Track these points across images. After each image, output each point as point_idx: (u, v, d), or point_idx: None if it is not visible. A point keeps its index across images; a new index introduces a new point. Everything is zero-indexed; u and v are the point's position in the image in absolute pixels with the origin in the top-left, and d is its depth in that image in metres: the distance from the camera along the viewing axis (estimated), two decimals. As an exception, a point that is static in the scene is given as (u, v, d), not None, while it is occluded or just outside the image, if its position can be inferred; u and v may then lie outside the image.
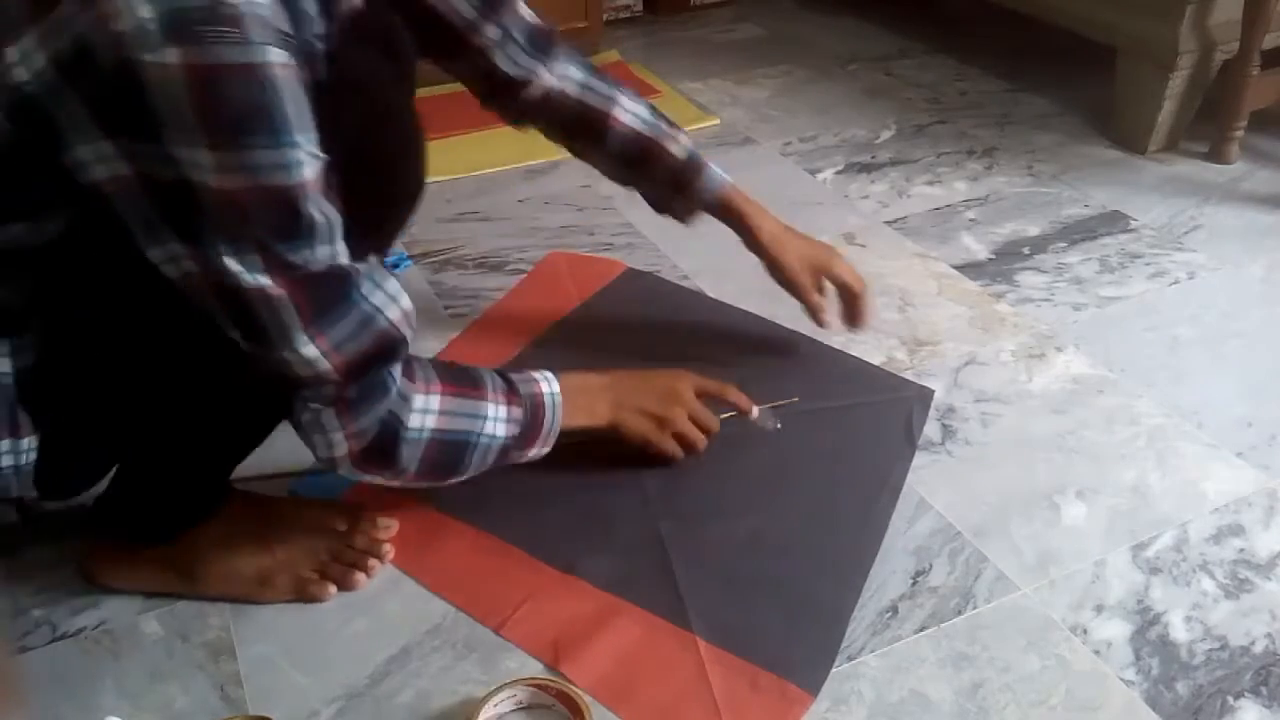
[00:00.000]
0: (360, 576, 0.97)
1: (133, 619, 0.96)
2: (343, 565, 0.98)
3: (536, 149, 1.78)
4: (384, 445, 0.86)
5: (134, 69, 0.67)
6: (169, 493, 0.93)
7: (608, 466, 1.07)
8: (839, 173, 1.74)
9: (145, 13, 0.66)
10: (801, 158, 1.79)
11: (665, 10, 2.46)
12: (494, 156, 1.75)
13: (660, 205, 1.24)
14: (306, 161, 0.73)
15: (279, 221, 0.73)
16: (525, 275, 1.45)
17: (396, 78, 0.91)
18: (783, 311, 1.33)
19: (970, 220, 1.59)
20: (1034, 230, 1.56)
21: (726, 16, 2.46)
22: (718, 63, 2.19)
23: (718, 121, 1.91)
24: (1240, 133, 1.72)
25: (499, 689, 0.85)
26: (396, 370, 0.85)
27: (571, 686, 0.86)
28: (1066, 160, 1.76)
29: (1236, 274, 1.45)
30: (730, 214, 1.21)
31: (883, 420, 1.17)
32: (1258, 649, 0.92)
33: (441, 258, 1.50)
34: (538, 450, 0.98)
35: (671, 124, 1.19)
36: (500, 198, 1.66)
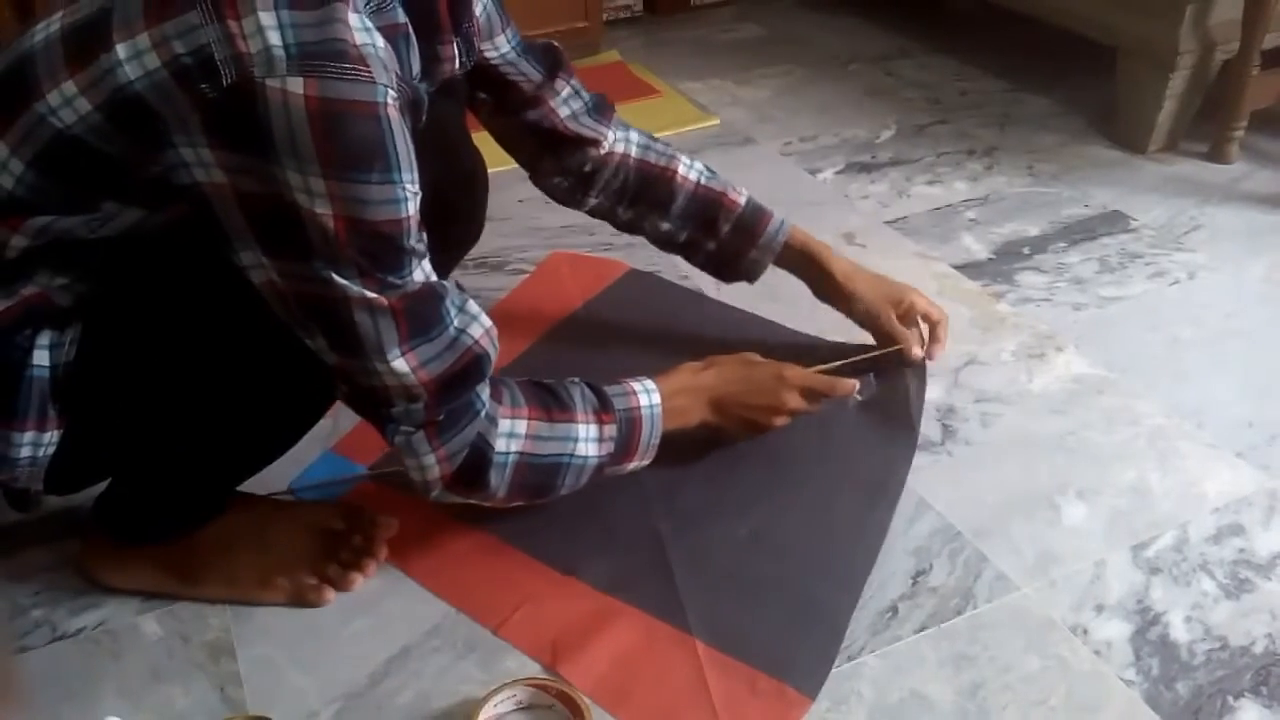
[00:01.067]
0: (357, 577, 0.97)
1: (133, 619, 0.96)
2: (340, 566, 0.98)
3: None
4: (474, 468, 0.87)
5: (256, 89, 0.70)
6: (170, 494, 0.93)
7: None
8: (839, 173, 1.74)
9: (275, 39, 0.69)
10: (802, 158, 1.79)
11: (665, 10, 2.46)
12: (494, 156, 1.75)
13: (727, 263, 1.22)
14: (410, 198, 0.77)
15: (381, 251, 0.77)
16: (528, 275, 1.45)
17: (463, 126, 1.00)
18: (782, 312, 1.34)
19: (970, 220, 1.59)
20: (1034, 230, 1.56)
21: (727, 16, 2.46)
22: (718, 63, 2.19)
23: (718, 121, 1.91)
24: (1240, 133, 1.72)
25: (499, 689, 0.85)
26: (484, 392, 0.86)
27: (571, 687, 0.86)
28: (1067, 160, 1.76)
29: (1237, 274, 1.45)
30: (804, 257, 1.20)
31: (884, 416, 1.16)
32: (1258, 649, 0.92)
33: (441, 258, 1.50)
34: (637, 463, 0.98)
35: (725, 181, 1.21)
36: (500, 197, 1.65)
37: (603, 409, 0.94)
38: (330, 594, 0.96)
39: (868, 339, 1.24)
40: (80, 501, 0.99)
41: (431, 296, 0.81)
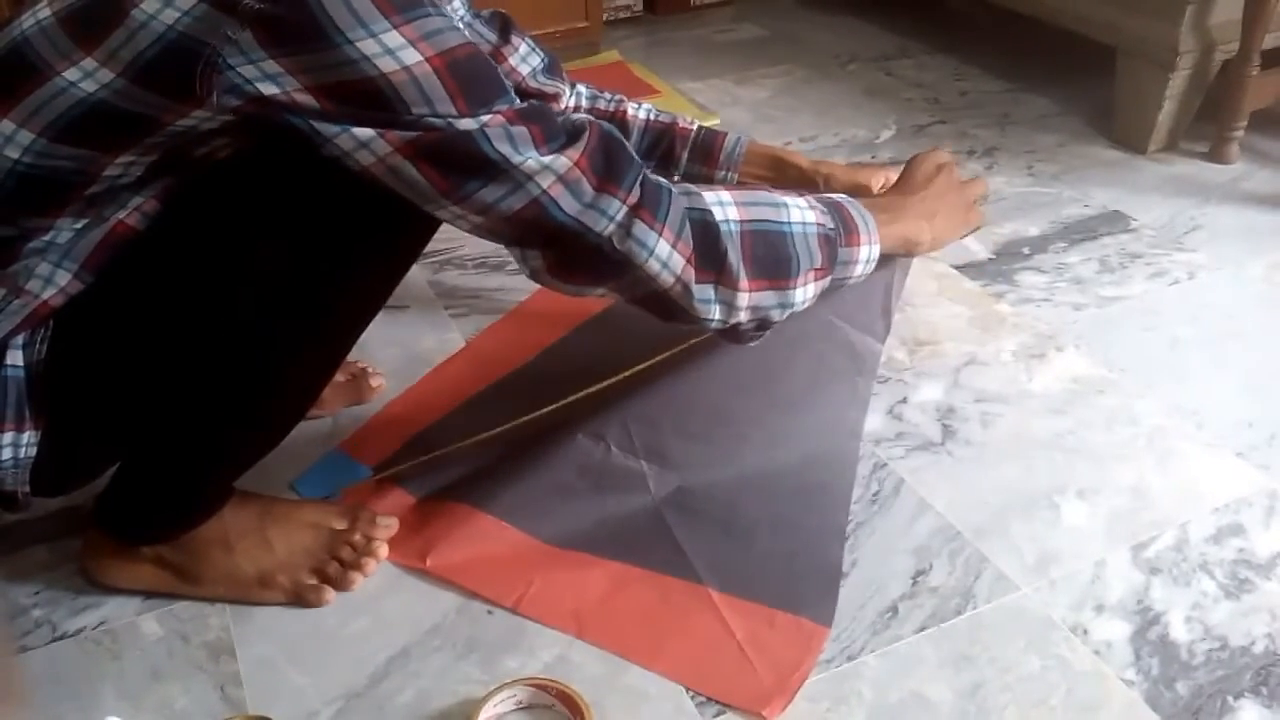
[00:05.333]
0: (358, 577, 0.97)
1: (133, 619, 0.96)
2: (341, 565, 0.98)
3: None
4: (707, 240, 0.83)
5: None
6: (169, 493, 0.93)
7: (583, 432, 1.06)
8: (839, 173, 1.74)
9: None
10: (801, 158, 1.79)
11: (665, 10, 2.46)
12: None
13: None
14: (460, 27, 0.76)
15: (475, 77, 0.75)
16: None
17: None
18: None
19: (970, 220, 1.59)
20: (1034, 230, 1.56)
21: (726, 16, 2.46)
22: (718, 62, 2.19)
23: (718, 121, 1.91)
24: (1240, 133, 1.72)
25: (499, 689, 0.85)
26: (650, 175, 0.83)
27: (572, 686, 0.86)
28: (1067, 160, 1.76)
29: (1237, 274, 1.45)
30: (769, 159, 1.22)
31: (851, 321, 1.12)
32: (1258, 649, 0.92)
33: (441, 258, 1.50)
34: (867, 248, 0.93)
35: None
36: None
37: (794, 192, 0.93)
38: (330, 594, 0.96)
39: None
40: (80, 501, 0.99)
41: (539, 107, 0.80)
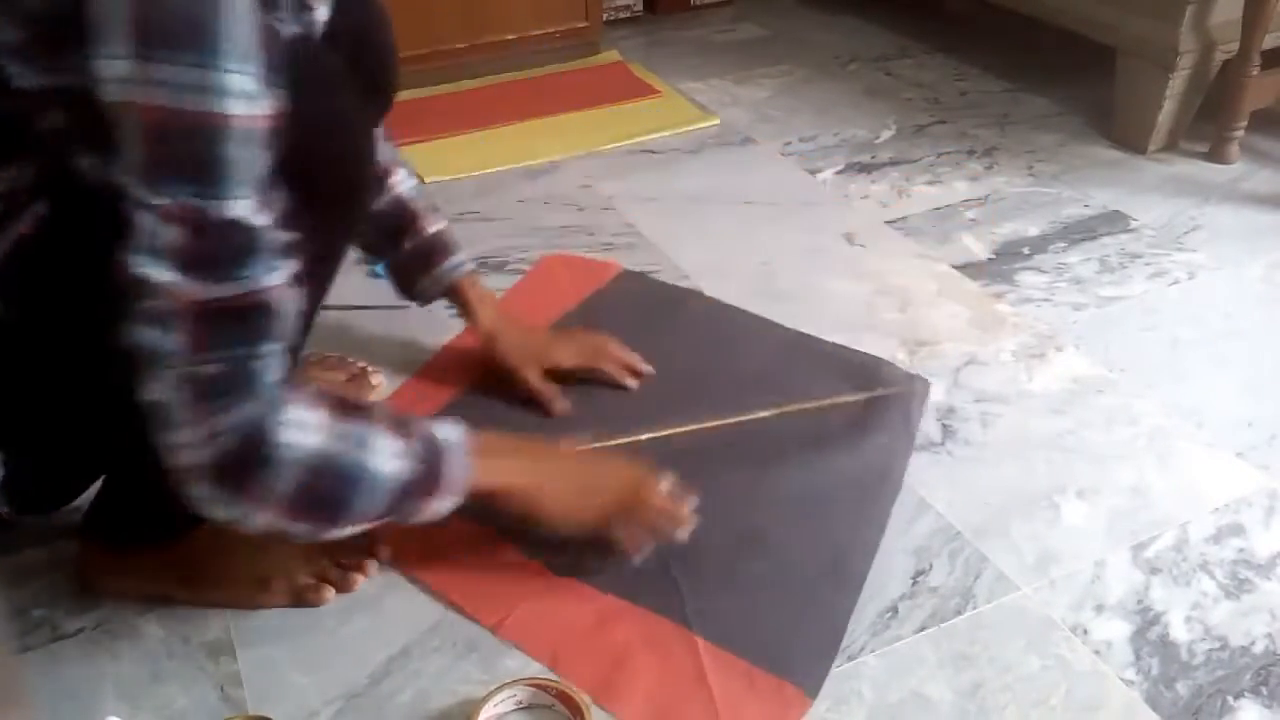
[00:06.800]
0: (358, 578, 0.97)
1: (133, 619, 0.95)
2: (340, 568, 0.97)
3: (537, 149, 1.81)
4: (246, 460, 0.72)
5: None
6: (158, 500, 0.92)
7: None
8: (839, 173, 1.74)
9: None
10: (801, 158, 1.79)
11: (665, 10, 2.46)
12: (493, 156, 1.76)
13: (401, 278, 1.18)
14: (241, 95, 0.65)
15: (190, 155, 0.66)
16: (521, 278, 1.45)
17: (358, 91, 0.85)
18: (782, 310, 1.34)
19: (970, 220, 1.59)
20: (1034, 230, 1.56)
21: (726, 16, 2.46)
22: (717, 62, 2.19)
23: (718, 121, 1.91)
24: (1240, 133, 1.72)
25: (499, 689, 0.85)
26: (269, 361, 0.71)
27: (572, 686, 0.86)
28: (1067, 160, 1.76)
29: (1236, 274, 1.45)
30: (464, 302, 1.18)
31: (882, 416, 1.16)
32: (1258, 649, 0.92)
33: (441, 258, 1.49)
34: (442, 501, 0.85)
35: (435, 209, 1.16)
36: (500, 198, 1.66)
37: (401, 425, 0.82)
38: (330, 593, 0.96)
39: (869, 340, 1.23)
40: (81, 502, 0.99)
41: (236, 230, 0.68)
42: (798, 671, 0.89)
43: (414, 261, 1.16)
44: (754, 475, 1.09)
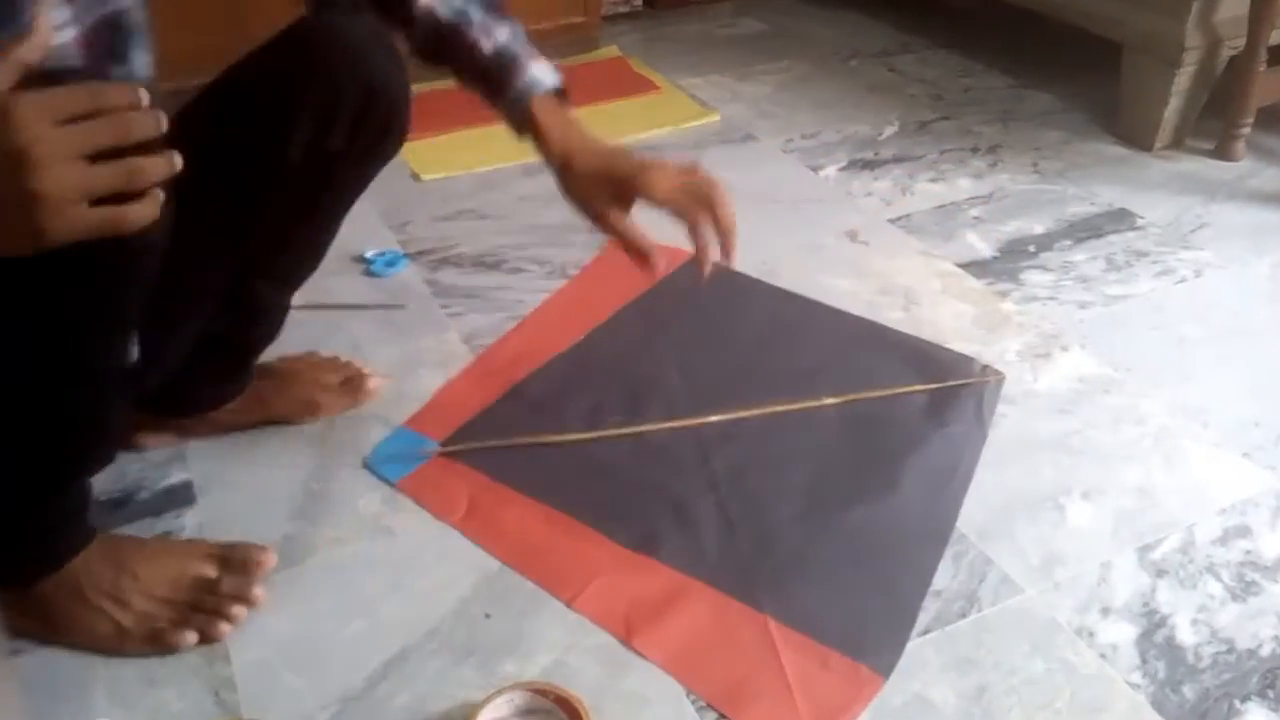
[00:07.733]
0: (224, 626, 0.91)
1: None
2: (205, 614, 0.91)
3: (536, 146, 1.79)
4: None
5: None
6: (17, 534, 0.88)
7: (673, 447, 1.11)
8: (841, 170, 1.73)
9: None
10: (803, 154, 1.78)
11: (665, 5, 2.45)
12: (492, 153, 1.74)
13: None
14: None
15: None
16: (586, 265, 1.45)
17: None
18: (849, 299, 1.34)
19: (975, 218, 1.58)
20: (1039, 228, 1.55)
21: (727, 11, 2.45)
22: (718, 58, 2.18)
23: (718, 118, 1.90)
24: (1247, 129, 1.71)
25: (497, 693, 0.84)
26: None
27: (570, 691, 0.85)
28: (1071, 157, 1.75)
29: (1243, 272, 1.44)
30: (528, 129, 0.96)
31: (954, 405, 1.17)
32: (1264, 652, 0.91)
33: (438, 256, 1.49)
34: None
35: (498, 15, 0.95)
36: (499, 195, 1.65)
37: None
38: (189, 637, 0.90)
39: (941, 335, 1.22)
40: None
41: None
42: (870, 652, 0.90)
43: (480, 90, 0.97)
44: (821, 461, 1.10)
